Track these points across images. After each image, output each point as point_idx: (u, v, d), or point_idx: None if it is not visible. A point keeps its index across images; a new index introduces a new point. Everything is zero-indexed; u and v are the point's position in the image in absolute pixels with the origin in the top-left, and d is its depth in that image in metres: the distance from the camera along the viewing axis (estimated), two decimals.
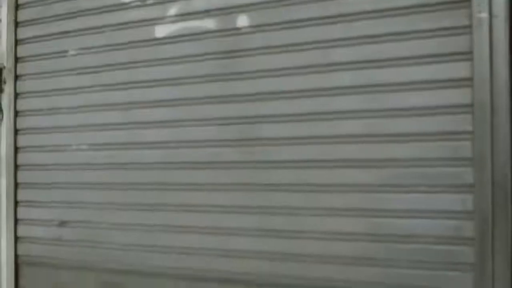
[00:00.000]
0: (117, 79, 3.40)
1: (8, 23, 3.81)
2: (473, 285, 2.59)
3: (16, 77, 3.78)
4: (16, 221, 3.79)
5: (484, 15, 2.51)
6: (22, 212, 3.77)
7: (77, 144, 3.54)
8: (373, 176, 2.77)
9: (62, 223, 3.59)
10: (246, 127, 3.04)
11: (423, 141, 2.69)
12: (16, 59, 3.80)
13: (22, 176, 3.77)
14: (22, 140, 3.77)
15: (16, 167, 3.79)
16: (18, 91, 3.78)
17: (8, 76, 3.83)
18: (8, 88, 3.80)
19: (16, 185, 3.79)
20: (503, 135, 2.57)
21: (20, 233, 3.78)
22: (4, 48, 3.85)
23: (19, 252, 3.79)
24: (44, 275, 3.69)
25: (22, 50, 3.78)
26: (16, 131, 3.80)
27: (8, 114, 3.80)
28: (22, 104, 3.78)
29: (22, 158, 3.77)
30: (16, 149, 3.79)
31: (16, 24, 3.81)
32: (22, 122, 3.77)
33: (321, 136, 2.89)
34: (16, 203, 3.79)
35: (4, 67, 3.85)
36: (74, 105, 3.55)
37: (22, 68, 3.76)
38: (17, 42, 3.81)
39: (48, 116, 3.65)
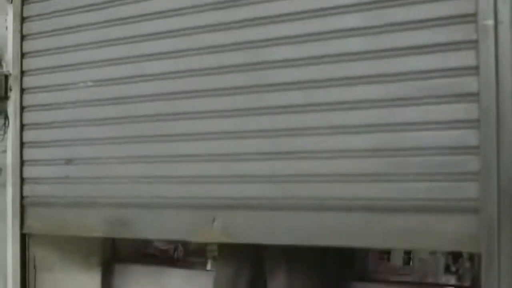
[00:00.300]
0: (121, 14, 3.42)
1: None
2: (479, 194, 2.59)
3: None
4: (22, 162, 3.82)
5: (490, 22, 2.52)
6: (28, 154, 3.79)
7: (81, 81, 3.55)
8: (379, 91, 2.77)
9: (69, 161, 3.59)
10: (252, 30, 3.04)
11: (427, 53, 2.69)
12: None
13: (28, 118, 3.79)
14: (27, 82, 3.80)
15: (22, 109, 3.81)
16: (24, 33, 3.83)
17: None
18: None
19: (22, 126, 3.82)
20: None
21: (25, 174, 3.80)
22: (10, 55, 3.89)
23: (25, 194, 3.80)
24: (50, 215, 3.68)
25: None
26: (22, 73, 3.83)
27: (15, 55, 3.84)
28: (28, 46, 3.82)
29: (27, 99, 3.80)
30: (22, 91, 3.82)
31: (23, 19, 3.85)
32: (27, 64, 3.80)
33: (326, 55, 2.88)
34: (22, 144, 3.82)
35: (10, 74, 3.88)
36: (78, 42, 3.57)
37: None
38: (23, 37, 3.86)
39: (52, 56, 3.67)
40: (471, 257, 3.28)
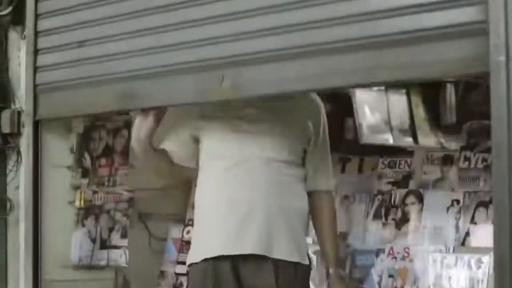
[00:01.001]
0: None
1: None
2: (487, 16, 2.52)
3: None
4: (36, 51, 3.84)
5: (502, 58, 2.47)
6: (42, 42, 3.83)
7: None
8: None
9: (81, 44, 3.61)
10: None
11: None
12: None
13: (41, 7, 3.83)
14: None
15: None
16: None
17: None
18: None
19: (36, 16, 3.85)
20: None
21: (39, 62, 3.83)
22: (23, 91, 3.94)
23: (38, 82, 3.82)
24: (62, 99, 3.70)
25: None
26: None
27: None
28: None
29: None
30: None
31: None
32: None
33: None
34: (36, 33, 3.84)
35: (23, 110, 3.93)
36: None
37: None
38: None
39: None
40: None
